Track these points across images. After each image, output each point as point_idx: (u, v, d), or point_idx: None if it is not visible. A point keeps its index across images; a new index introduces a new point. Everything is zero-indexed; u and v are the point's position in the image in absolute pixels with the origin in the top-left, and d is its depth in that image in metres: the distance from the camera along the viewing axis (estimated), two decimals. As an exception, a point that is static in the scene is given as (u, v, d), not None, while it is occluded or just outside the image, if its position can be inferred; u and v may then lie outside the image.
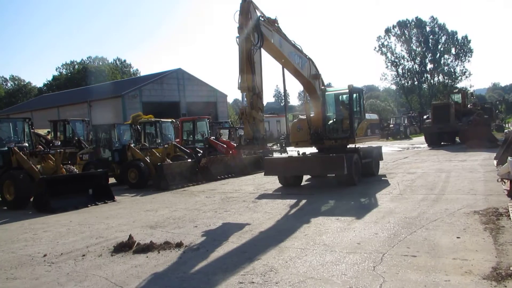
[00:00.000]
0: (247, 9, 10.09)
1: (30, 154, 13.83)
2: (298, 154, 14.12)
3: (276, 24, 11.45)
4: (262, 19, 10.77)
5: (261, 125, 10.40)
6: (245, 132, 10.68)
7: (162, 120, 21.00)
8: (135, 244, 7.39)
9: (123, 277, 5.97)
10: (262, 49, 10.56)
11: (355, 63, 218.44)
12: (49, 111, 48.19)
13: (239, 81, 9.99)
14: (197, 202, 12.20)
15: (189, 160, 17.42)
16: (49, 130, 26.67)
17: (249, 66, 9.92)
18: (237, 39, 10.02)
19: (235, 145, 16.80)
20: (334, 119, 14.55)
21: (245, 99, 10.18)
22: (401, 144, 35.05)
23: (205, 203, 11.92)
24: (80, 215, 11.23)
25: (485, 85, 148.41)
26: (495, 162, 15.55)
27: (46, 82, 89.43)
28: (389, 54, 77.00)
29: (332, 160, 12.86)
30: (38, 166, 13.62)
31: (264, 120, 10.91)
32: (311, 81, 13.43)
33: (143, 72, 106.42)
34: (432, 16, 76.60)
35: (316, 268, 5.78)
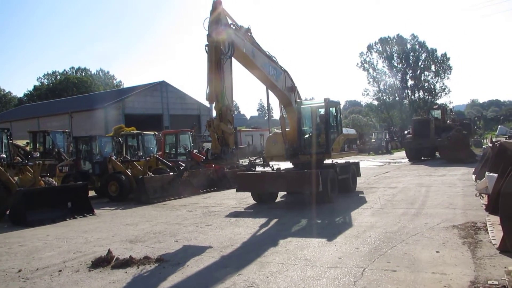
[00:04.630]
0: (217, 15, 9.68)
1: (7, 165, 13.52)
2: (272, 169, 13.88)
3: (249, 34, 11.04)
4: (234, 27, 10.38)
5: (231, 138, 9.74)
6: (212, 146, 9.94)
7: (144, 132, 20.84)
8: (114, 259, 7.25)
9: (101, 293, 5.84)
10: (233, 59, 10.11)
11: (339, 78, 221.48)
12: (29, 122, 47.41)
13: (207, 91, 9.45)
14: (179, 216, 12.07)
15: (171, 173, 17.26)
16: (28, 141, 26.19)
17: (218, 76, 9.38)
18: (206, 47, 9.51)
19: (202, 159, 15.83)
20: (310, 133, 14.04)
21: (214, 110, 9.60)
22: (382, 158, 35.46)
23: (186, 217, 11.80)
24: (58, 229, 10.98)
25: (464, 101, 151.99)
26: (473, 177, 15.87)
27: (26, 92, 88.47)
28: (371, 70, 78.37)
29: (306, 177, 12.20)
30: (16, 178, 13.33)
31: (233, 133, 10.15)
32: (286, 93, 13.05)
33: (127, 84, 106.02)
34: (413, 34, 78.30)
35: (297, 283, 5.75)
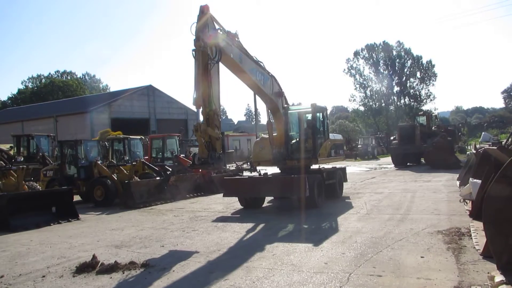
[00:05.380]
0: (204, 20, 9.71)
1: (-10, 170, 13.34)
2: (259, 174, 13.92)
3: (236, 39, 11.10)
4: (221, 32, 10.43)
5: (218, 143, 9.73)
6: (199, 150, 9.91)
7: (130, 137, 20.67)
8: (99, 265, 7.17)
9: (85, 299, 5.76)
10: (220, 64, 10.14)
11: (326, 84, 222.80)
12: (13, 125, 46.75)
13: (194, 95, 9.41)
14: (165, 221, 12.00)
15: (158, 178, 17.16)
16: (12, 145, 25.83)
17: (205, 81, 9.37)
18: (193, 52, 9.46)
19: (189, 164, 15.72)
20: (297, 139, 14.04)
21: (201, 115, 9.61)
22: (368, 164, 35.75)
23: (172, 222, 11.73)
24: (42, 234, 10.83)
25: (449, 108, 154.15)
26: (457, 183, 16.08)
27: (10, 96, 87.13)
28: (357, 76, 78.91)
29: (293, 182, 12.27)
30: (-1, 183, 13.14)
31: (221, 137, 10.13)
32: (274, 98, 13.11)
33: (113, 87, 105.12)
34: (399, 41, 79.17)
35: (283, 288, 5.76)
